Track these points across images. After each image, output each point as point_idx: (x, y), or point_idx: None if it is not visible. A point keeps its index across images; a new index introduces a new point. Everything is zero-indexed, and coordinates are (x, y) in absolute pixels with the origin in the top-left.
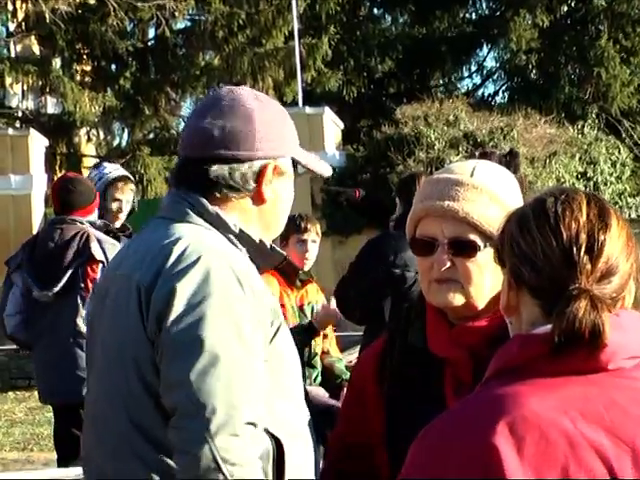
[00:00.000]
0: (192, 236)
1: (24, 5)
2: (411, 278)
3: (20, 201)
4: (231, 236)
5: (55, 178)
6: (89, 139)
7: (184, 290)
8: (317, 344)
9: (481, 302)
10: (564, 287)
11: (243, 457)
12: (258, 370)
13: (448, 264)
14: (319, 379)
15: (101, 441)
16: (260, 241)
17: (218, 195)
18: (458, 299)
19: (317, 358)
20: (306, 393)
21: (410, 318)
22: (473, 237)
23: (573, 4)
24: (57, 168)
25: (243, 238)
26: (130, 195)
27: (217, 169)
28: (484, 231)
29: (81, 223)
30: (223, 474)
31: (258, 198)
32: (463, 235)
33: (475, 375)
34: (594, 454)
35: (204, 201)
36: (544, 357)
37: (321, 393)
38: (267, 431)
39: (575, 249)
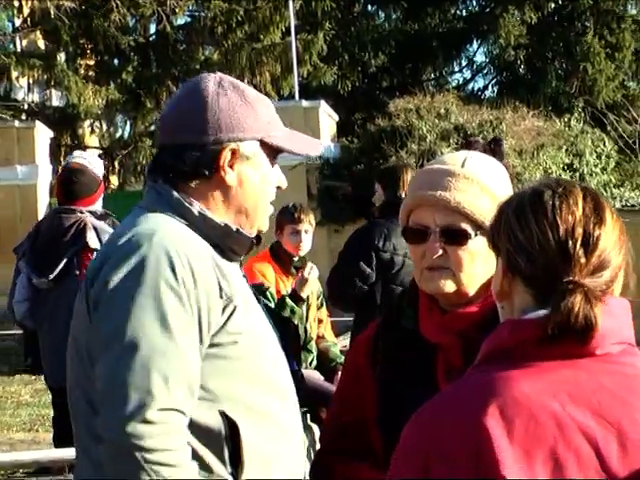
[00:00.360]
0: (144, 225)
1: (30, 1)
2: (399, 262)
3: (26, 191)
4: (194, 222)
5: (60, 168)
6: (93, 131)
7: (115, 279)
8: (313, 329)
9: (472, 289)
10: (557, 278)
11: (159, 443)
12: (186, 357)
13: (440, 252)
14: (314, 363)
15: (74, 425)
16: (225, 225)
17: (181, 182)
18: (449, 286)
19: (312, 342)
20: (302, 376)
21: (402, 304)
22: (464, 226)
23: (560, 1)
24: (62, 159)
25: (207, 223)
26: None
27: (168, 156)
28: (475, 220)
29: (81, 212)
30: (136, 460)
31: (220, 183)
32: (455, 224)
33: (466, 360)
34: (581, 436)
35: (168, 188)
36: (535, 342)
37: (316, 376)
38: (222, 413)
39: (571, 243)
